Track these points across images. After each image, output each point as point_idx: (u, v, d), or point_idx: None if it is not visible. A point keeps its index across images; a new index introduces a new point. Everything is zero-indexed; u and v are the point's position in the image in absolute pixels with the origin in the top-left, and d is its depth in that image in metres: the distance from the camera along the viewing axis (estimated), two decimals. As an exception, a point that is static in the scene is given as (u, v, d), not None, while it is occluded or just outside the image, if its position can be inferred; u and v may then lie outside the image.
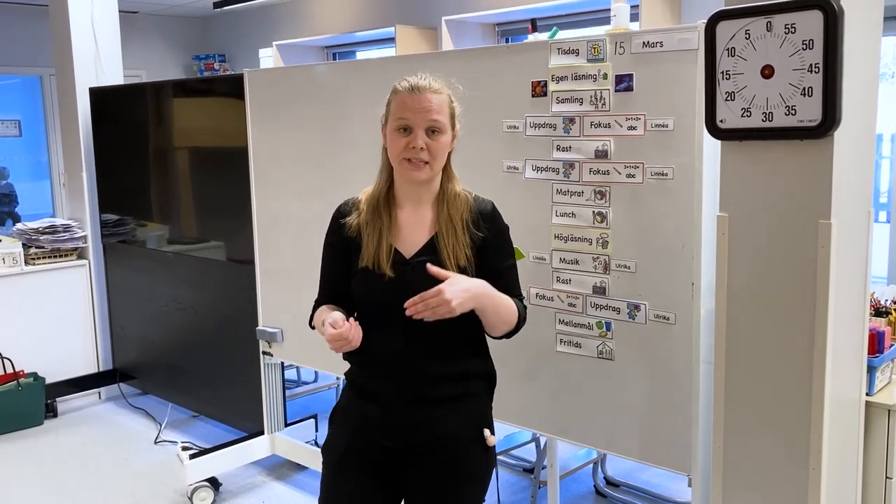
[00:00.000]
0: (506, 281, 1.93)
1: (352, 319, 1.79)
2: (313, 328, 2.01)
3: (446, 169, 1.93)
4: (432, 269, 1.76)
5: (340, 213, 1.97)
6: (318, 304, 2.01)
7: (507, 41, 6.04)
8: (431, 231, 1.89)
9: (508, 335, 1.94)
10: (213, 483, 3.54)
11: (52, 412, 4.56)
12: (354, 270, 1.90)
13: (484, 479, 1.95)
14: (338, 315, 1.80)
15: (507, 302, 1.88)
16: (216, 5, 7.56)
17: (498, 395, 2.78)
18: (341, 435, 1.96)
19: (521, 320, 1.93)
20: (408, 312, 1.71)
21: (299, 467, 3.78)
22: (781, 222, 1.81)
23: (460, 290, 1.73)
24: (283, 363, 3.80)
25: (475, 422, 1.93)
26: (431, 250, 1.87)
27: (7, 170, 8.78)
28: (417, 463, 1.89)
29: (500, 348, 2.74)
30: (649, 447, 2.40)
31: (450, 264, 1.83)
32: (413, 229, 1.90)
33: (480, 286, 1.80)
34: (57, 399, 4.60)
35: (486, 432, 1.93)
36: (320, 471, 2.01)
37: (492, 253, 1.91)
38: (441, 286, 1.71)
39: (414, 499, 1.93)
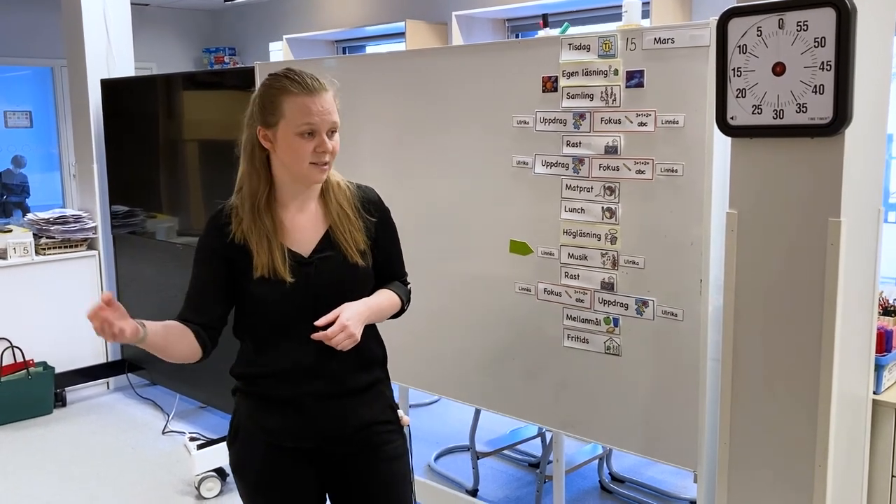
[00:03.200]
0: (395, 263, 1.98)
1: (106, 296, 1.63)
2: None
3: None
4: (319, 324, 1.72)
5: (219, 220, 1.84)
6: (183, 318, 1.86)
7: (517, 37, 6.03)
8: (324, 225, 1.85)
9: (395, 316, 1.98)
10: (221, 473, 3.56)
11: (61, 401, 4.59)
12: (248, 283, 1.79)
13: (407, 459, 1.96)
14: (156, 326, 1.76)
15: (388, 303, 1.91)
16: (227, -2, 7.58)
17: (504, 389, 2.80)
18: (251, 451, 1.87)
19: (405, 304, 1.98)
20: (315, 336, 1.70)
21: (306, 459, 3.80)
22: (791, 220, 1.81)
23: (354, 317, 1.75)
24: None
25: (387, 406, 1.93)
26: (329, 243, 1.83)
27: (24, 158, 8.82)
28: (343, 457, 1.87)
29: (507, 343, 2.76)
30: (655, 443, 2.40)
31: (350, 251, 1.82)
32: (303, 228, 1.84)
33: (364, 306, 1.80)
34: (66, 388, 4.63)
35: (400, 413, 1.96)
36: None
37: (383, 237, 1.92)
38: (342, 320, 1.71)
39: (347, 492, 1.90)
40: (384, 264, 1.94)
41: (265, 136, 1.79)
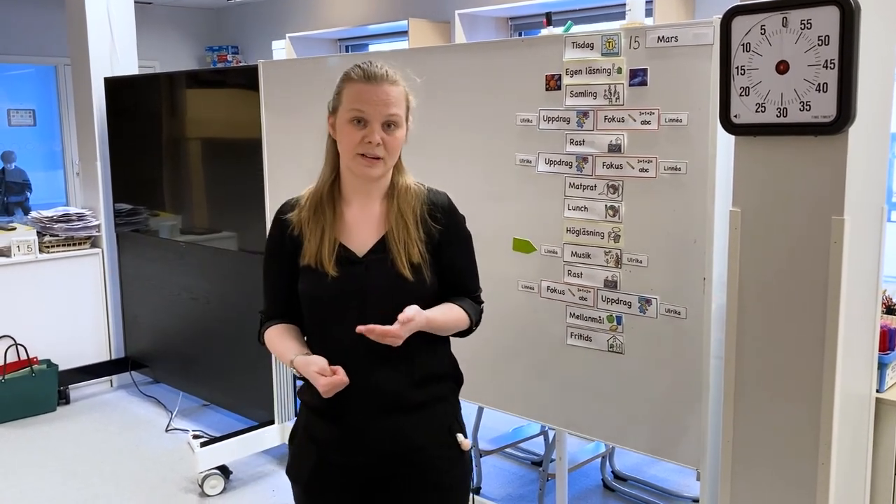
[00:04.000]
0: (464, 276, 1.85)
1: (335, 368, 1.67)
2: (262, 344, 1.88)
3: (396, 162, 1.79)
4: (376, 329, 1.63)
5: (281, 212, 1.82)
6: (267, 318, 1.87)
7: (520, 35, 6.03)
8: (382, 228, 1.76)
9: (461, 335, 1.85)
10: (224, 471, 3.57)
11: (64, 399, 4.60)
12: (298, 272, 1.77)
13: (463, 487, 1.85)
14: (318, 360, 1.68)
15: (451, 318, 1.78)
16: (230, -3, 7.59)
17: (507, 387, 2.80)
18: (303, 458, 1.82)
19: (474, 324, 1.84)
20: (359, 329, 1.62)
21: (309, 457, 3.81)
22: (794, 218, 1.81)
23: (408, 328, 1.66)
24: (293, 353, 3.82)
25: (447, 427, 1.82)
26: (383, 248, 1.74)
27: (14, 154, 8.80)
28: (394, 479, 1.78)
29: (510, 341, 2.76)
30: (658, 441, 2.41)
31: (401, 262, 1.71)
32: (363, 227, 1.76)
33: (423, 320, 1.69)
34: (69, 386, 4.64)
35: (460, 437, 1.82)
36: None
37: (450, 246, 1.80)
38: (397, 330, 1.62)
39: None
40: (450, 275, 1.80)
41: (331, 123, 1.76)
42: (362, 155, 1.69)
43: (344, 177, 1.78)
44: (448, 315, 1.78)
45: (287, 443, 1.90)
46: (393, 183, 1.79)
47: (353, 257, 1.74)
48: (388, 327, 1.62)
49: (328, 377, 1.65)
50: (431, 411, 1.79)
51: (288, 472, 1.87)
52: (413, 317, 1.65)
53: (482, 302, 1.91)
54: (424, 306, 1.72)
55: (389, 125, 1.70)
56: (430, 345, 1.78)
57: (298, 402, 1.89)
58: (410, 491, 1.78)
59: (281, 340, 1.80)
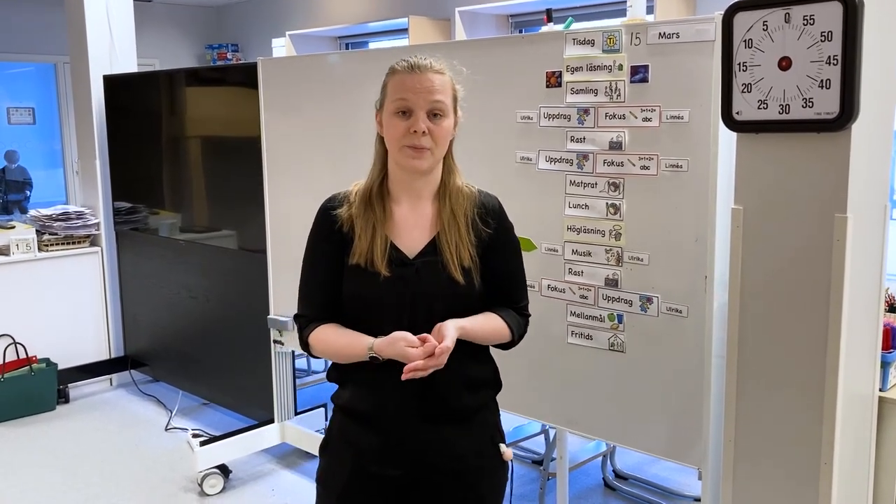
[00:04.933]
0: (510, 284, 1.80)
1: (423, 336, 1.60)
2: (306, 348, 1.78)
3: (447, 160, 1.74)
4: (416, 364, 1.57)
5: (330, 206, 1.75)
6: (311, 318, 1.76)
7: (520, 32, 6.02)
8: (433, 229, 1.72)
9: (502, 347, 1.81)
10: (224, 470, 3.56)
11: (64, 398, 4.59)
12: (344, 270, 1.71)
13: (501, 496, 1.81)
14: (402, 334, 1.60)
15: (492, 329, 1.74)
16: (230, -6, 7.57)
17: (507, 386, 2.78)
18: (338, 467, 1.75)
19: (516, 337, 1.79)
20: (407, 374, 1.56)
21: (309, 455, 3.80)
22: (797, 215, 1.79)
23: (453, 335, 1.62)
24: (293, 352, 3.81)
25: (489, 437, 1.78)
26: (434, 250, 1.70)
27: (17, 153, 8.80)
28: (432, 490, 1.73)
29: (510, 340, 2.75)
30: (659, 440, 2.39)
31: (453, 265, 1.67)
32: (413, 227, 1.72)
33: (460, 329, 1.65)
34: (69, 385, 4.64)
35: (502, 447, 1.78)
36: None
37: (498, 252, 1.76)
38: (446, 344, 1.58)
39: None
40: (494, 282, 1.75)
41: (378, 119, 1.72)
42: (409, 146, 1.64)
43: (393, 174, 1.73)
44: (486, 325, 1.73)
45: (318, 452, 1.83)
46: (444, 182, 1.74)
47: (405, 259, 1.69)
48: (432, 362, 1.57)
49: (419, 348, 1.58)
50: (474, 420, 1.76)
51: (319, 480, 1.80)
52: (446, 340, 1.59)
53: (528, 315, 1.85)
54: (471, 311, 1.70)
55: (435, 114, 1.65)
56: (474, 350, 1.74)
57: (331, 406, 1.82)
58: (448, 501, 1.74)
59: (344, 333, 1.71)
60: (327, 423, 1.83)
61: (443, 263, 1.68)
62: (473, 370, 1.75)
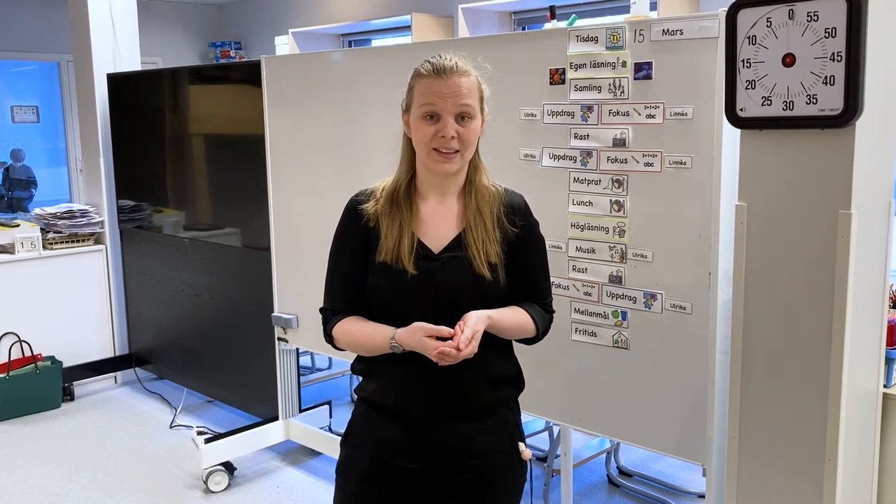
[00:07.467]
0: (534, 281, 1.81)
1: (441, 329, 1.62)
2: (330, 340, 1.81)
3: (473, 158, 1.76)
4: (444, 334, 1.60)
5: (356, 202, 1.77)
6: (334, 311, 1.78)
7: (523, 29, 6.01)
8: (459, 225, 1.73)
9: (526, 342, 1.84)
10: (228, 467, 3.57)
11: (68, 395, 4.60)
12: (370, 267, 1.73)
13: (518, 494, 1.82)
14: (422, 325, 1.63)
15: (516, 322, 1.75)
16: (232, -8, 7.57)
17: (512, 383, 2.78)
18: (358, 457, 1.77)
19: (540, 333, 1.81)
20: (437, 354, 1.58)
21: (313, 453, 3.81)
22: (801, 212, 1.79)
23: (478, 325, 1.64)
24: (297, 349, 3.82)
25: (508, 435, 1.79)
26: (459, 245, 1.72)
27: (23, 152, 8.81)
28: (449, 485, 1.74)
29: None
30: (664, 437, 2.40)
31: (478, 261, 1.69)
32: (439, 223, 1.74)
33: (487, 318, 1.67)
34: (74, 383, 4.65)
35: (521, 446, 1.79)
36: (336, 458, 1.86)
37: (523, 250, 1.77)
38: (469, 334, 1.60)
39: None
40: (520, 280, 1.76)
41: (406, 121, 1.73)
42: (437, 150, 1.67)
43: (420, 174, 1.75)
44: (513, 318, 1.75)
45: (339, 443, 1.85)
46: (470, 180, 1.76)
47: (430, 254, 1.71)
48: (461, 352, 1.58)
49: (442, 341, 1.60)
50: (495, 417, 1.77)
51: (338, 470, 1.83)
52: (475, 327, 1.62)
53: (553, 311, 1.87)
54: (495, 307, 1.71)
55: (463, 117, 1.67)
56: (498, 346, 1.76)
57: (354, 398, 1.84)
58: (465, 498, 1.75)
59: (367, 324, 1.74)
60: (350, 415, 1.84)
61: (468, 259, 1.70)
62: (496, 366, 1.77)
